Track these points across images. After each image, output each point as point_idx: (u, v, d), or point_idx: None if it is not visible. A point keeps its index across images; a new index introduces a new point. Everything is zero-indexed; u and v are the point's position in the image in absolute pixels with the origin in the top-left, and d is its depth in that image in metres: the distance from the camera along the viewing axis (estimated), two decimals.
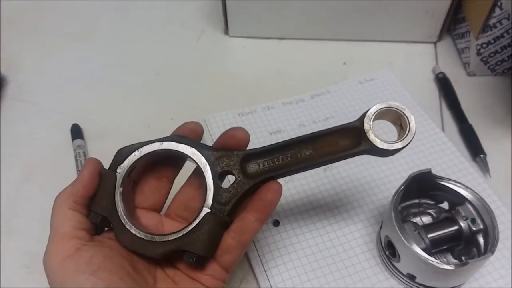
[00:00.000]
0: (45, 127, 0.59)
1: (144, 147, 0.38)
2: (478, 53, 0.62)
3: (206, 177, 0.37)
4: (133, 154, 0.38)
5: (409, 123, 0.36)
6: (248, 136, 0.39)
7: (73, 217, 0.36)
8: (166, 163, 0.40)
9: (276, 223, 0.49)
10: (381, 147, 0.36)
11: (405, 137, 0.36)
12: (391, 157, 0.54)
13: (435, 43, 0.69)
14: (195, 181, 0.41)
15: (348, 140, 0.38)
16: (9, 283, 0.46)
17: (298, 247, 0.47)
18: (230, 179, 0.39)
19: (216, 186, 0.37)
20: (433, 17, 0.66)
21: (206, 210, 0.36)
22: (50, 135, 0.58)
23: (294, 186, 0.52)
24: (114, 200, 0.37)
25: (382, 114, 0.38)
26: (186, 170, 0.42)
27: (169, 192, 0.41)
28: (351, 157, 0.38)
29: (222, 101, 0.62)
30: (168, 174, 0.41)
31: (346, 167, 0.53)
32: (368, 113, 0.37)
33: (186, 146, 0.38)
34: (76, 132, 0.57)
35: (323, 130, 0.38)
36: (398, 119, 0.37)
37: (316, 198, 0.51)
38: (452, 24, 0.69)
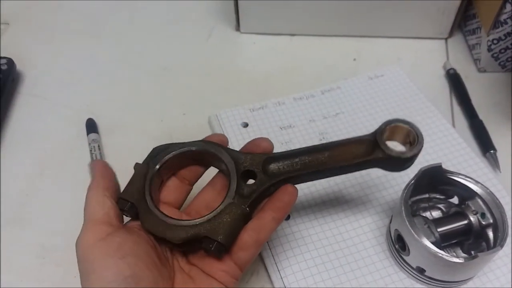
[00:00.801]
0: (59, 121, 0.60)
1: (176, 145, 0.41)
2: (489, 49, 0.62)
3: (230, 171, 0.40)
4: (165, 151, 0.41)
5: (417, 136, 0.39)
6: (272, 146, 0.42)
7: (105, 204, 0.37)
8: (190, 168, 0.43)
9: (287, 217, 0.49)
10: (392, 154, 0.39)
11: (414, 147, 0.39)
12: None
13: (446, 39, 0.70)
14: (217, 183, 0.43)
15: (362, 149, 0.40)
16: (25, 274, 0.47)
17: (308, 240, 0.48)
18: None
19: (239, 181, 0.39)
20: (444, 14, 0.66)
21: (228, 200, 0.38)
22: (64, 130, 0.59)
23: None
24: (144, 188, 0.39)
25: (392, 132, 0.40)
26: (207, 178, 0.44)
27: (188, 194, 0.43)
28: (365, 166, 0.41)
29: (233, 96, 0.63)
30: (190, 178, 0.43)
31: None
32: (381, 125, 0.40)
33: (215, 145, 0.41)
34: (91, 126, 0.58)
35: (339, 140, 0.41)
36: (407, 137, 0.40)
37: (326, 192, 0.51)
38: (463, 20, 0.69)
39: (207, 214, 0.38)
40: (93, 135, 0.56)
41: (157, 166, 0.40)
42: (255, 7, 0.67)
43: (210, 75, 0.66)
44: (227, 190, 0.39)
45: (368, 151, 0.40)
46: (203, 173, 0.44)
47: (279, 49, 0.69)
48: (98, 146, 0.55)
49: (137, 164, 0.40)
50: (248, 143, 0.43)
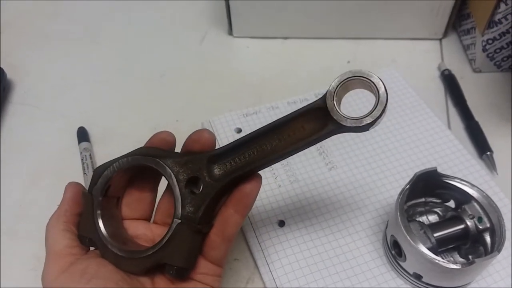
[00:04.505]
0: (51, 130, 0.60)
1: (112, 166, 0.37)
2: (484, 49, 0.62)
3: (172, 187, 0.36)
4: (104, 174, 0.37)
5: (378, 92, 0.31)
6: (214, 137, 0.38)
7: (65, 235, 0.37)
8: (145, 174, 0.40)
9: (282, 223, 0.49)
10: (348, 125, 0.32)
11: (375, 109, 0.32)
12: (397, 155, 0.54)
13: (440, 39, 0.69)
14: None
15: (314, 122, 0.34)
16: (18, 286, 0.46)
17: (303, 247, 0.47)
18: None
19: (184, 195, 0.36)
20: (438, 14, 0.65)
21: (176, 221, 0.36)
22: (56, 139, 0.59)
23: (300, 186, 0.52)
24: (94, 221, 0.37)
25: (349, 86, 0.33)
26: None
27: (154, 200, 0.41)
28: (322, 140, 0.34)
29: (227, 101, 0.62)
30: (148, 184, 0.41)
31: (351, 166, 0.53)
32: (330, 88, 0.33)
33: (150, 158, 0.37)
34: (82, 135, 0.57)
35: (285, 116, 0.35)
36: (369, 87, 0.33)
37: (321, 197, 0.51)
38: (458, 21, 0.68)
39: (160, 241, 0.36)
40: (84, 144, 0.55)
41: (101, 193, 0.37)
42: (247, 11, 0.66)
43: (203, 80, 0.66)
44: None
45: (322, 124, 0.33)
46: (161, 176, 0.40)
47: (273, 53, 0.69)
48: (90, 155, 0.54)
49: (84, 192, 0.38)
50: (187, 139, 0.38)
